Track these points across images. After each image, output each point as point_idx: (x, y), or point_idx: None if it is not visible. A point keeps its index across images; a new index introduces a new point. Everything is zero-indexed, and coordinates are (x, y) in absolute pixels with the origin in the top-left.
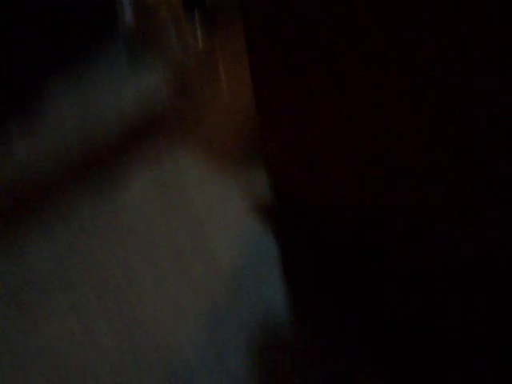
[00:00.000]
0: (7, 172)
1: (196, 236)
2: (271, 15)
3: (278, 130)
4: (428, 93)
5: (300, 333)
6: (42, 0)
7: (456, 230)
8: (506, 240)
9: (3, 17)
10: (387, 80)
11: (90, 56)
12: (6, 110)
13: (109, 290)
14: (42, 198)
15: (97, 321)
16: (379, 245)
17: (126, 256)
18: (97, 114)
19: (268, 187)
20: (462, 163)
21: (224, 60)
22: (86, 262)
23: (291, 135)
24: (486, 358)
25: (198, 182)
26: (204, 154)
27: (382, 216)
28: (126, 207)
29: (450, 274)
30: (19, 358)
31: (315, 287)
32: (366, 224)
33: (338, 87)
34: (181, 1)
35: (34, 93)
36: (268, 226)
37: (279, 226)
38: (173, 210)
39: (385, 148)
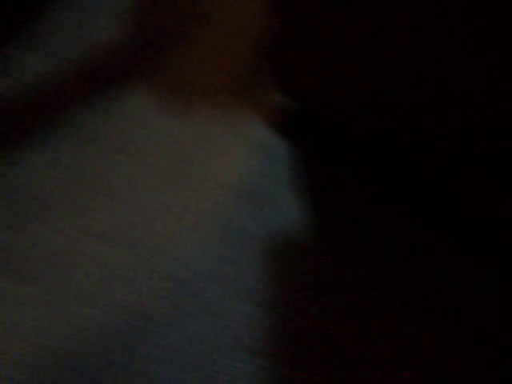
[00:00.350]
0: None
1: (202, 147)
2: None
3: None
4: None
5: (317, 243)
6: None
7: None
8: None
9: None
10: None
11: None
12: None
13: (114, 200)
14: (40, 114)
15: (103, 233)
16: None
17: (129, 165)
18: (95, 26)
19: (280, 100)
20: None
21: None
22: (89, 171)
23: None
24: None
25: (204, 92)
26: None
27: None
28: (125, 118)
29: None
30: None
31: (334, 199)
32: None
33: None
34: None
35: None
36: (284, 135)
37: (296, 136)
38: (176, 119)
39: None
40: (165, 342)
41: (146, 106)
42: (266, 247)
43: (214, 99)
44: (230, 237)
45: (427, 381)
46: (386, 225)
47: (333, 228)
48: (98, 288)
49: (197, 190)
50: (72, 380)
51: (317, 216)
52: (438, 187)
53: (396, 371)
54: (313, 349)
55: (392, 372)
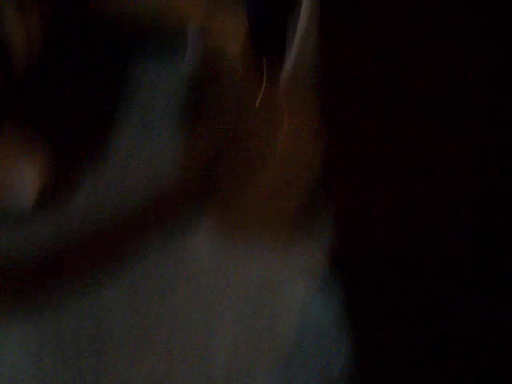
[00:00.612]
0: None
1: (260, 298)
2: None
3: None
4: None
5: None
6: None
7: None
8: None
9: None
10: None
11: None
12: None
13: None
14: (105, 246)
15: (177, 365)
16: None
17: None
18: (161, 159)
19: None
20: None
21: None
22: (161, 310)
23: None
24: None
25: (263, 244)
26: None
27: None
28: (193, 257)
29: None
30: None
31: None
32: None
33: None
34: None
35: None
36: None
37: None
38: (235, 270)
39: None
40: None
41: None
42: None
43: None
44: None
45: None
46: None
47: None
48: None
49: (255, 339)
50: None
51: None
52: None
53: None
54: None
55: None
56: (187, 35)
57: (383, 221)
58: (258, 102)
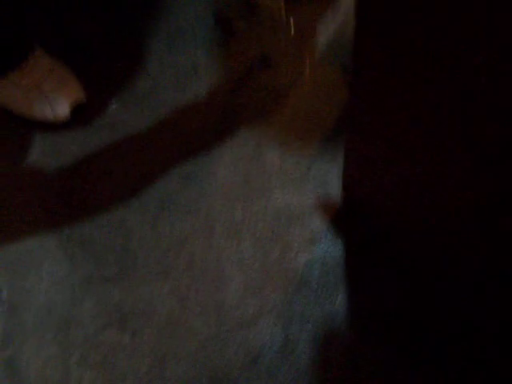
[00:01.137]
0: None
1: (273, 226)
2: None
3: (366, 133)
4: None
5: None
6: None
7: None
8: None
9: None
10: None
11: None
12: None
13: (198, 272)
14: (133, 164)
15: (188, 302)
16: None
17: (214, 242)
18: (191, 74)
19: (340, 188)
20: None
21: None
22: (179, 246)
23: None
24: None
25: (278, 170)
26: (285, 138)
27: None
28: (211, 194)
29: None
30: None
31: (379, 305)
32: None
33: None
34: None
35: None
36: (336, 229)
37: (346, 232)
38: (254, 198)
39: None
40: None
41: (230, 182)
42: (315, 332)
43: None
44: (290, 314)
45: None
46: None
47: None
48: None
49: (267, 267)
50: None
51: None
52: None
53: None
54: None
55: None
56: None
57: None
58: (292, 30)
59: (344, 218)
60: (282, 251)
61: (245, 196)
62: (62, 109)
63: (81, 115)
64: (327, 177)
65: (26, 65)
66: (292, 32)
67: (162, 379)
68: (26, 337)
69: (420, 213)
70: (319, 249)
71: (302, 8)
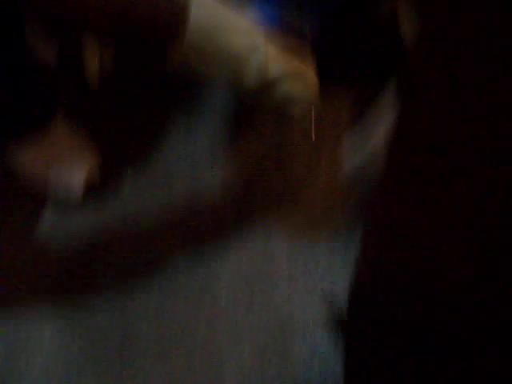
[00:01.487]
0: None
1: (275, 336)
2: None
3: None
4: None
5: None
6: None
7: None
8: None
9: None
10: None
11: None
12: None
13: (197, 367)
14: (142, 250)
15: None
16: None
17: (215, 339)
18: (203, 177)
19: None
20: None
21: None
22: (178, 329)
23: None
24: None
25: (285, 274)
26: (295, 238)
27: None
28: (215, 289)
29: None
30: None
31: None
32: None
33: None
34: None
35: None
36: (337, 341)
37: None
38: (258, 303)
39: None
40: None
41: (236, 285)
42: None
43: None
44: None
45: None
46: None
47: None
48: None
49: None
50: None
51: None
52: None
53: None
54: None
55: None
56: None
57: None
58: (314, 134)
59: (350, 328)
60: (281, 364)
61: (249, 299)
62: (75, 188)
63: (92, 194)
64: (335, 279)
65: (47, 130)
66: (313, 137)
67: None
68: None
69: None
70: (320, 365)
71: (327, 107)
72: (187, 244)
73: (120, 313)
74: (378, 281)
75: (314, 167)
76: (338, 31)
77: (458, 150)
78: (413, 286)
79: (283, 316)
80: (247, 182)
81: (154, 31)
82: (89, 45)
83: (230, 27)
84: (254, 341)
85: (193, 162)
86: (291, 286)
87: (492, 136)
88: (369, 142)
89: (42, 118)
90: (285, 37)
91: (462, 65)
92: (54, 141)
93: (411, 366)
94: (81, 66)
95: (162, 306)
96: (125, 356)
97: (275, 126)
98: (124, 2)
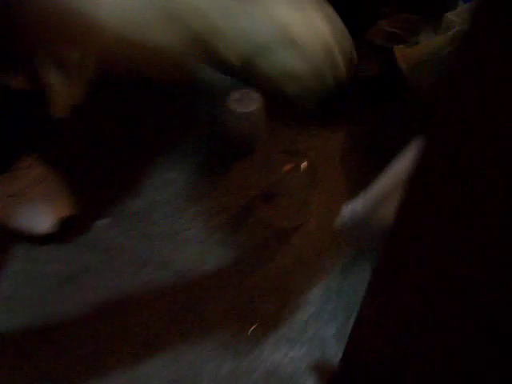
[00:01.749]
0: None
1: None
2: None
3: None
4: None
5: None
6: None
7: None
8: None
9: None
10: None
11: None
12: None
13: None
14: (121, 313)
15: None
16: None
17: None
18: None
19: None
20: None
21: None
22: None
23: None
24: None
25: (272, 327)
26: (283, 288)
27: None
28: (200, 341)
29: None
30: None
31: None
32: None
33: None
34: None
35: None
36: None
37: None
38: (244, 353)
39: None
40: None
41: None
42: None
43: None
44: None
45: None
46: None
47: None
48: None
49: None
50: None
51: None
52: None
53: None
54: None
55: None
56: None
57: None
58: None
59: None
60: None
61: (235, 349)
62: (46, 224)
63: (66, 229)
64: (325, 336)
65: (10, 174)
66: (301, 170)
67: None
68: None
69: None
70: None
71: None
72: (168, 290)
73: (96, 372)
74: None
75: (304, 213)
76: None
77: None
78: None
79: (270, 366)
80: (231, 221)
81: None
82: (54, 75)
83: None
84: None
85: (173, 196)
86: (278, 338)
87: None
88: (375, 186)
89: (8, 156)
90: None
91: None
92: (21, 179)
93: None
94: (48, 100)
95: (142, 360)
96: None
97: (264, 165)
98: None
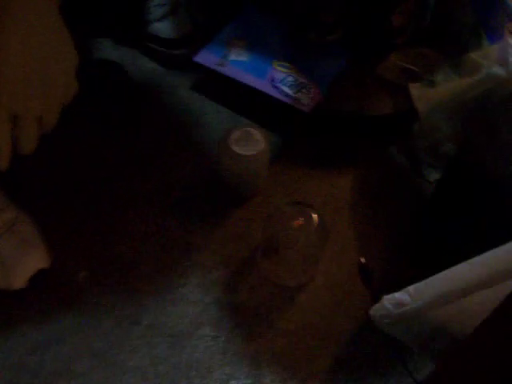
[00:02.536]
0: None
1: None
2: None
3: None
4: None
5: None
6: None
7: None
8: None
9: None
10: None
11: None
12: None
13: None
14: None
15: None
16: None
17: None
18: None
19: None
20: None
21: None
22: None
23: None
24: None
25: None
26: (287, 360)
27: None
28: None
29: None
30: None
31: None
32: None
33: None
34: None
35: None
36: None
37: None
38: None
39: None
40: None
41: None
42: None
43: None
44: None
45: None
46: None
47: None
48: None
49: None
50: None
51: None
52: None
53: None
54: None
55: None
56: None
57: None
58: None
59: None
60: None
61: None
62: (17, 279)
63: (40, 280)
64: None
65: None
66: (313, 227)
67: None
68: None
69: None
70: None
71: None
72: (153, 339)
73: None
74: None
75: (310, 270)
76: None
77: None
78: None
79: None
80: (230, 278)
81: None
82: None
83: None
84: None
85: (164, 243)
86: None
87: None
88: (434, 283)
89: None
90: None
91: None
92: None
93: None
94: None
95: None
96: None
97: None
98: None
